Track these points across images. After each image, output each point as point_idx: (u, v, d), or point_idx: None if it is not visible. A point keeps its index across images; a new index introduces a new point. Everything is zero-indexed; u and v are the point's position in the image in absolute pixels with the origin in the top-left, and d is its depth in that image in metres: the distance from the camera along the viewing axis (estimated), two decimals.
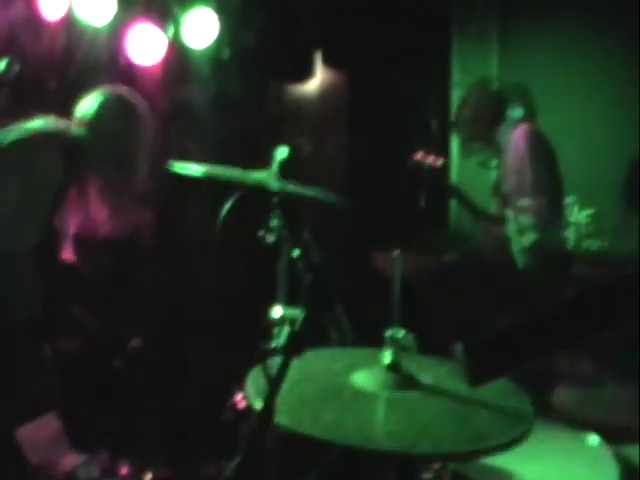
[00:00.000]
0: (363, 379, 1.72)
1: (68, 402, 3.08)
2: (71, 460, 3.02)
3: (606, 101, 4.50)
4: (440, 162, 3.93)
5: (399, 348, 1.71)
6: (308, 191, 1.98)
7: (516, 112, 3.80)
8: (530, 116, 3.79)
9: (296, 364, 1.38)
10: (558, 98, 3.92)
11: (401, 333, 1.73)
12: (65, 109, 2.81)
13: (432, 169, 3.90)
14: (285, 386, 1.37)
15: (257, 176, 1.97)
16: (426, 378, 1.75)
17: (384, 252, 3.06)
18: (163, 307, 2.81)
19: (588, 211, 4.16)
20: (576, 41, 4.61)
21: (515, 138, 3.72)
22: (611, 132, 4.44)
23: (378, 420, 1.62)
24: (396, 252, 1.87)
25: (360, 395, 1.67)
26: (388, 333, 1.72)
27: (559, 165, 3.75)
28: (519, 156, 3.68)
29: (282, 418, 1.45)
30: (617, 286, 1.17)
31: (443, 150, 4.83)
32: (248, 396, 1.65)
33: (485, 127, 3.82)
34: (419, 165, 3.91)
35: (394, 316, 1.74)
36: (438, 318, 3.47)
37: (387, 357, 1.71)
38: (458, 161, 4.82)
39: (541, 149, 3.72)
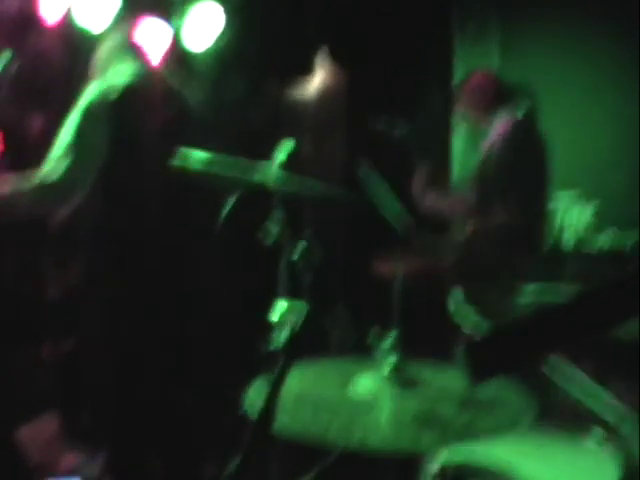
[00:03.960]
0: (364, 385, 1.72)
1: (68, 401, 3.07)
2: (71, 459, 3.02)
3: (608, 98, 4.50)
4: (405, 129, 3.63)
5: (384, 351, 1.71)
6: (309, 189, 1.98)
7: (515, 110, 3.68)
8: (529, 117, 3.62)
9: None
10: (560, 95, 3.92)
11: (389, 336, 1.73)
12: (64, 109, 2.81)
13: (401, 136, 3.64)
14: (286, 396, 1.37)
15: (258, 175, 1.97)
16: (427, 379, 1.75)
17: (385, 259, 3.05)
18: (162, 306, 2.80)
19: (590, 207, 4.14)
20: (578, 38, 4.61)
21: (498, 128, 3.50)
22: (612, 130, 4.44)
23: (381, 422, 1.61)
24: (398, 262, 1.87)
25: (363, 400, 1.68)
26: (371, 336, 1.72)
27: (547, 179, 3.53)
28: (492, 150, 3.45)
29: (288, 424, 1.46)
30: (617, 286, 1.17)
31: (445, 147, 4.84)
32: (250, 401, 1.65)
33: (486, 106, 3.58)
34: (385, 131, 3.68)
35: (394, 322, 1.74)
36: (436, 319, 3.45)
37: (388, 361, 1.71)
38: (460, 157, 4.82)
39: (528, 149, 3.51)
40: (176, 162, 2.11)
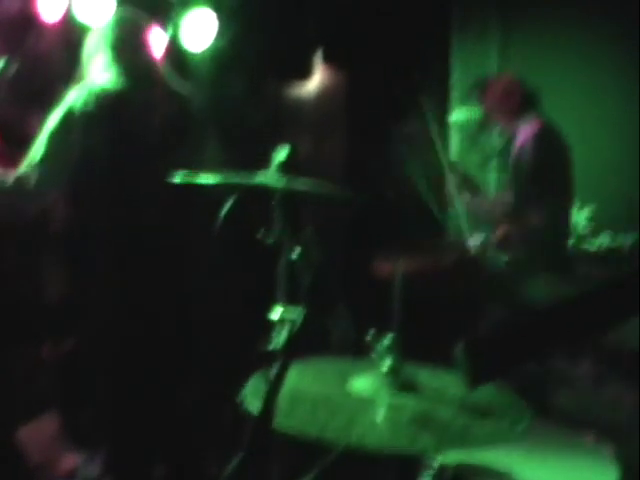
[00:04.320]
0: (362, 384, 1.72)
1: (68, 401, 3.08)
2: (71, 460, 3.02)
3: (607, 99, 4.50)
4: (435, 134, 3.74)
5: (383, 350, 1.71)
6: (309, 189, 1.98)
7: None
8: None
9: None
10: (559, 96, 3.91)
11: (387, 337, 1.73)
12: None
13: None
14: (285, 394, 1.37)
15: (257, 175, 1.96)
16: (425, 381, 1.75)
17: (385, 259, 3.05)
18: (161, 306, 2.80)
19: (588, 210, 4.14)
20: (578, 38, 4.61)
21: (525, 131, 3.59)
22: (612, 130, 4.43)
23: (379, 422, 1.61)
24: (398, 262, 1.87)
25: (360, 399, 1.68)
26: (369, 336, 1.73)
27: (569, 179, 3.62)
28: (524, 152, 3.53)
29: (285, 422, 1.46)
30: (617, 286, 1.17)
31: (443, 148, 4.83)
32: (247, 398, 1.65)
33: (512, 110, 3.68)
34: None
35: (394, 323, 1.73)
36: (437, 321, 3.45)
37: (386, 362, 1.71)
38: (456, 158, 4.82)
39: (551, 153, 3.58)
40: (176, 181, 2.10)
